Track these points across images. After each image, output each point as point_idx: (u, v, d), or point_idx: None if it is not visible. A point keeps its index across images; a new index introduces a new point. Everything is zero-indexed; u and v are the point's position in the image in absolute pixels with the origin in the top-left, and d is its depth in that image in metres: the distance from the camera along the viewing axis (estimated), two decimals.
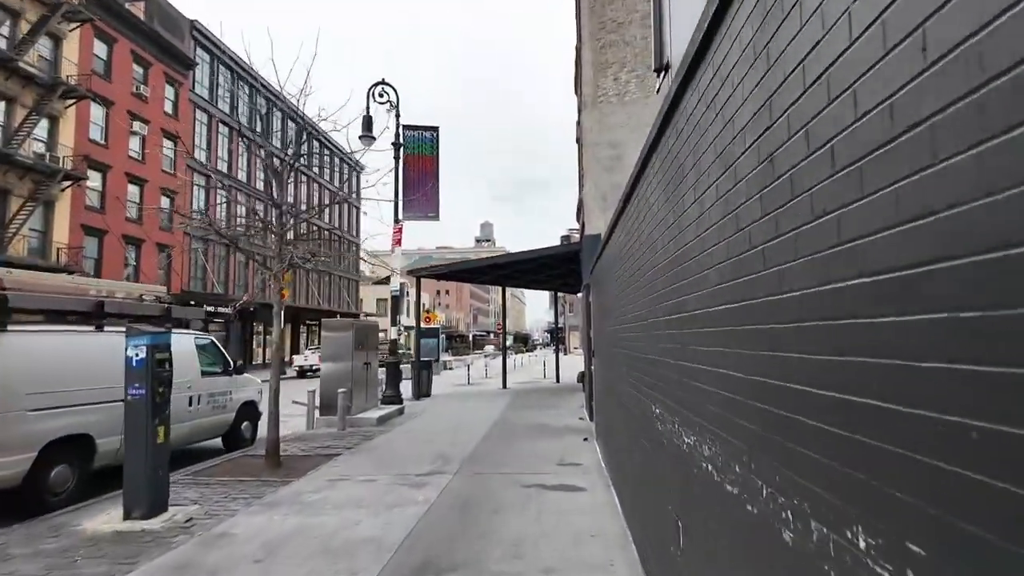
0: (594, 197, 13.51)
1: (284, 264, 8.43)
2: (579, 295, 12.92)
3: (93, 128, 28.19)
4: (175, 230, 33.30)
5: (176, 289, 33.64)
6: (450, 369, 31.07)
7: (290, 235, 9.69)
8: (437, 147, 15.61)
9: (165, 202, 33.36)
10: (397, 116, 15.47)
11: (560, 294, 25.06)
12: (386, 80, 15.30)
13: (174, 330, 9.02)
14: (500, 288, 21.15)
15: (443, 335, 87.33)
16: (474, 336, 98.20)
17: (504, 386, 20.10)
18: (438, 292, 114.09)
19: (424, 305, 46.37)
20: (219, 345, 9.96)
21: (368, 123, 14.95)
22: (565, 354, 74.84)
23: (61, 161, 25.77)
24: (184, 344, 8.97)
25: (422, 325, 36.02)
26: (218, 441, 10.05)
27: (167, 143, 33.36)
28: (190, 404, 8.83)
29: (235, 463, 8.60)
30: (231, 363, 9.97)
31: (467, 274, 17.95)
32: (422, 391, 17.34)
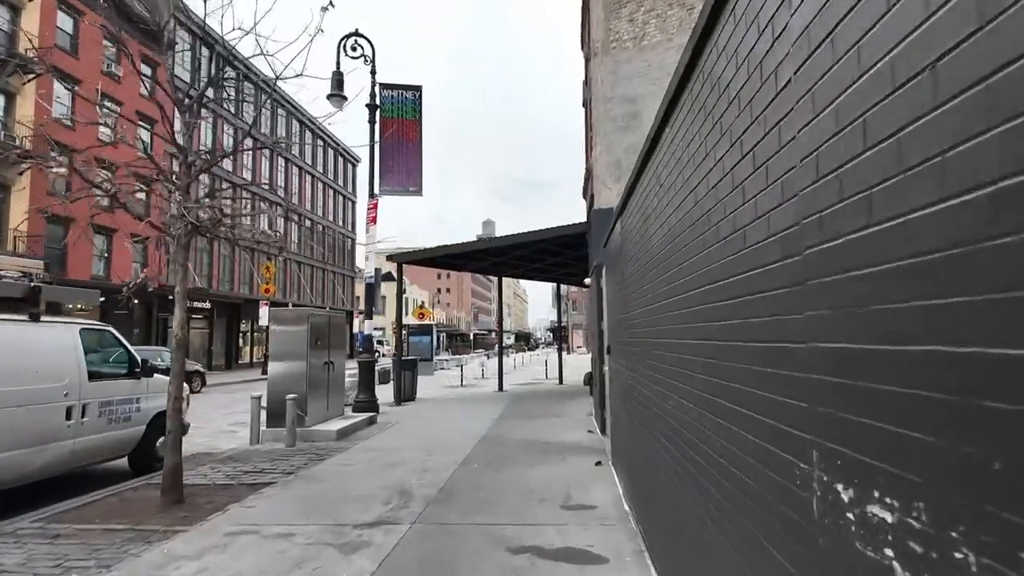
0: (606, 164, 11.23)
1: (186, 226, 6.19)
2: (587, 281, 10.61)
3: (58, 107, 25.98)
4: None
5: (154, 280, 31.48)
6: (443, 369, 28.78)
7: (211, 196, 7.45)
8: (420, 110, 13.34)
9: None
10: (372, 73, 13.21)
11: (563, 289, 22.68)
12: (359, 31, 13.03)
13: (46, 318, 6.81)
14: (499, 282, 18.88)
15: (443, 333, 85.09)
16: (475, 335, 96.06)
17: (500, 388, 17.82)
18: (439, 290, 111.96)
19: (422, 302, 44.09)
20: (120, 338, 7.70)
21: (339, 81, 12.69)
22: (568, 353, 72.48)
23: (19, 141, 23.61)
24: (60, 337, 6.72)
25: (415, 321, 33.71)
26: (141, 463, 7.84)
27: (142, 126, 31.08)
28: (69, 417, 6.57)
29: (123, 498, 6.35)
30: (139, 362, 7.71)
31: (457, 260, 15.68)
32: (405, 395, 15.07)
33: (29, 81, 24.34)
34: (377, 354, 50.54)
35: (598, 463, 7.10)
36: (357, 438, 9.52)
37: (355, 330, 52.22)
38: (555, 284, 21.64)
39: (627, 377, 5.39)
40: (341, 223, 59.30)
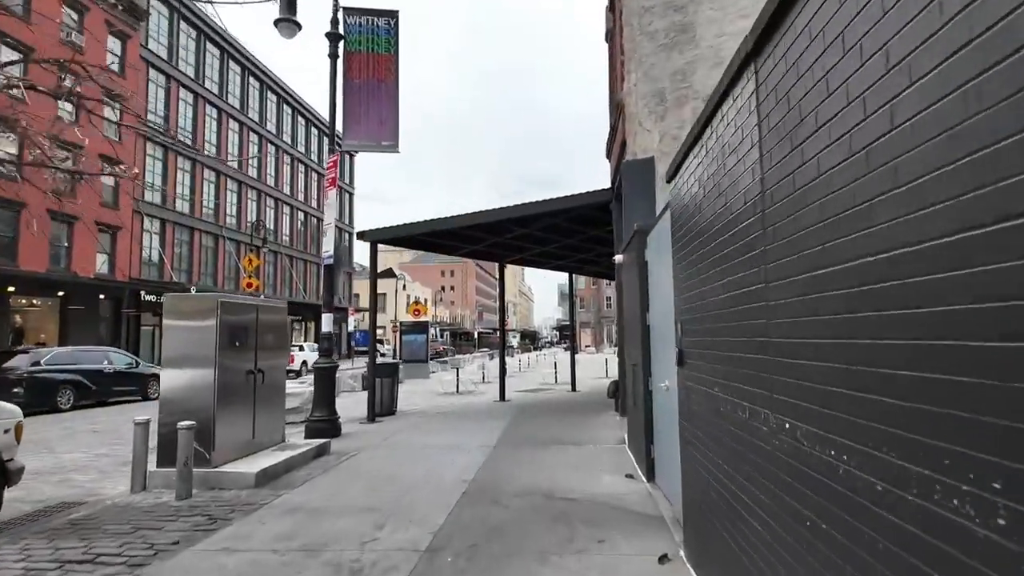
0: (643, 97, 8.20)
1: None
2: (618, 258, 7.49)
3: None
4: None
5: (122, 276, 28.65)
6: (436, 372, 25.68)
7: None
8: (396, 43, 10.35)
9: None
10: None
11: (574, 281, 19.55)
12: None
13: None
14: (500, 270, 15.83)
15: (447, 332, 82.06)
16: (479, 333, 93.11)
17: (502, 397, 14.79)
18: (442, 288, 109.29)
19: (417, 299, 41.01)
20: None
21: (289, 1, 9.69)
22: (576, 353, 69.47)
23: None
24: None
25: (411, 318, 30.50)
26: None
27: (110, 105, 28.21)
28: None
29: None
30: None
31: (444, 239, 12.64)
32: (382, 408, 12.08)
33: None
34: (378, 355, 47.58)
35: (664, 558, 4.05)
36: (287, 484, 6.52)
37: (350, 327, 49.40)
38: (568, 275, 18.60)
39: (764, 422, 2.38)
40: (337, 216, 56.38)
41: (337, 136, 10.14)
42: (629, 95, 8.32)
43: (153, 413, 6.80)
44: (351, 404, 14.56)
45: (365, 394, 14.72)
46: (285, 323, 8.09)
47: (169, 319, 6.69)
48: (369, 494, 5.96)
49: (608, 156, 11.05)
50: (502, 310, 14.95)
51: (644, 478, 6.15)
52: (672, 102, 7.99)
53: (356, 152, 10.71)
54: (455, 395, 16.78)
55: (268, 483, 6.51)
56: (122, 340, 28.24)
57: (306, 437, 9.31)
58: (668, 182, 4.42)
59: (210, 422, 6.49)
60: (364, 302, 74.38)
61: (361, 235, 11.39)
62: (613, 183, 10.72)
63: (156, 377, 19.31)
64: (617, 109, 8.88)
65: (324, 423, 9.36)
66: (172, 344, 6.65)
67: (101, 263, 27.72)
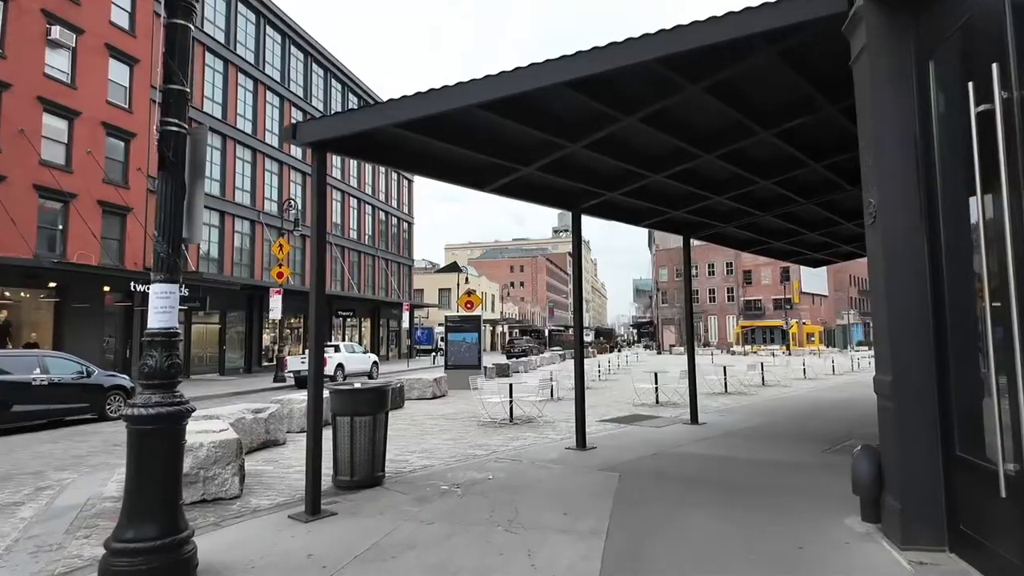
0: None
1: None
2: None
3: None
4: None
5: (134, 264, 24.74)
6: (490, 379, 19.47)
7: None
8: None
9: (115, 145, 24.38)
10: None
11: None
12: None
13: None
14: (575, 222, 9.55)
15: (515, 330, 76.44)
16: (550, 331, 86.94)
17: (580, 443, 8.61)
18: (511, 284, 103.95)
19: (492, 295, 35.35)
20: None
21: None
22: (659, 354, 61.62)
23: None
24: None
25: (462, 312, 24.69)
26: None
27: (116, 65, 24.36)
28: None
29: None
30: None
31: (461, 142, 6.51)
32: (353, 474, 6.31)
33: None
34: (435, 355, 41.54)
35: None
36: None
37: (404, 324, 44.62)
38: (683, 241, 11.99)
39: None
40: (395, 204, 52.07)
41: None
42: None
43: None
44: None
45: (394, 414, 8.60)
46: None
47: None
48: None
49: None
50: (578, 292, 8.80)
51: None
52: None
53: None
54: (506, 426, 10.86)
55: None
56: (133, 339, 24.37)
57: None
58: None
59: None
60: (426, 297, 69.99)
61: (293, 129, 5.58)
62: None
63: (120, 389, 14.63)
64: None
65: (137, 558, 3.64)
66: None
67: (113, 248, 23.83)
